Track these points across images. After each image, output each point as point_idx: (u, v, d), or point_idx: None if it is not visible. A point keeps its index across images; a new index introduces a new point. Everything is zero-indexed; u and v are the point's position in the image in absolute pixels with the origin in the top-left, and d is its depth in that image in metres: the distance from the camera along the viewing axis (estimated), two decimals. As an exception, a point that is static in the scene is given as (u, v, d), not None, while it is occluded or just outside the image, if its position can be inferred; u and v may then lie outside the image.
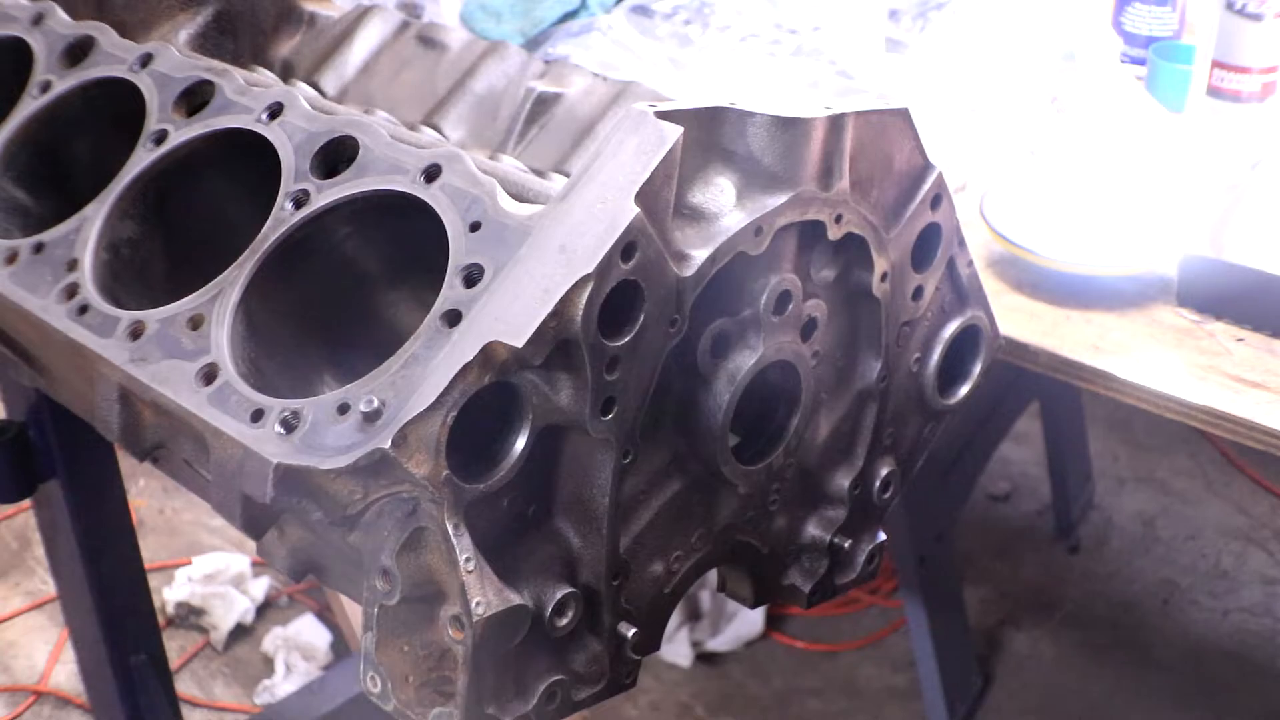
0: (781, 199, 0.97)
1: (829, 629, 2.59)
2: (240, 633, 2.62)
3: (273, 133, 1.07)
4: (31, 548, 2.81)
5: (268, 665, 2.53)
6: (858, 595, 2.62)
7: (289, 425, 0.88)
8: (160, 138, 1.12)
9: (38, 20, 1.26)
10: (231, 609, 2.60)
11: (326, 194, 1.01)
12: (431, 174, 0.97)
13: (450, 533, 0.86)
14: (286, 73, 1.39)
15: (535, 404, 0.88)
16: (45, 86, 1.20)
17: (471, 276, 0.90)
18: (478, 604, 0.87)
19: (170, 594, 2.64)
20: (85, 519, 1.62)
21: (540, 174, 1.12)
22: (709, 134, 0.95)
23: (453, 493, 0.86)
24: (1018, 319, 1.44)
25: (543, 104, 1.24)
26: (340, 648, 2.54)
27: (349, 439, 0.86)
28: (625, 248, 0.87)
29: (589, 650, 0.99)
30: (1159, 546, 2.75)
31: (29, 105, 1.20)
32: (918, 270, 1.10)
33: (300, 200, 1.02)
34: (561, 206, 0.90)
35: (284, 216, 1.01)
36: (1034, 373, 1.44)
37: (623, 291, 0.88)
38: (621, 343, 0.89)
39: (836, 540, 1.14)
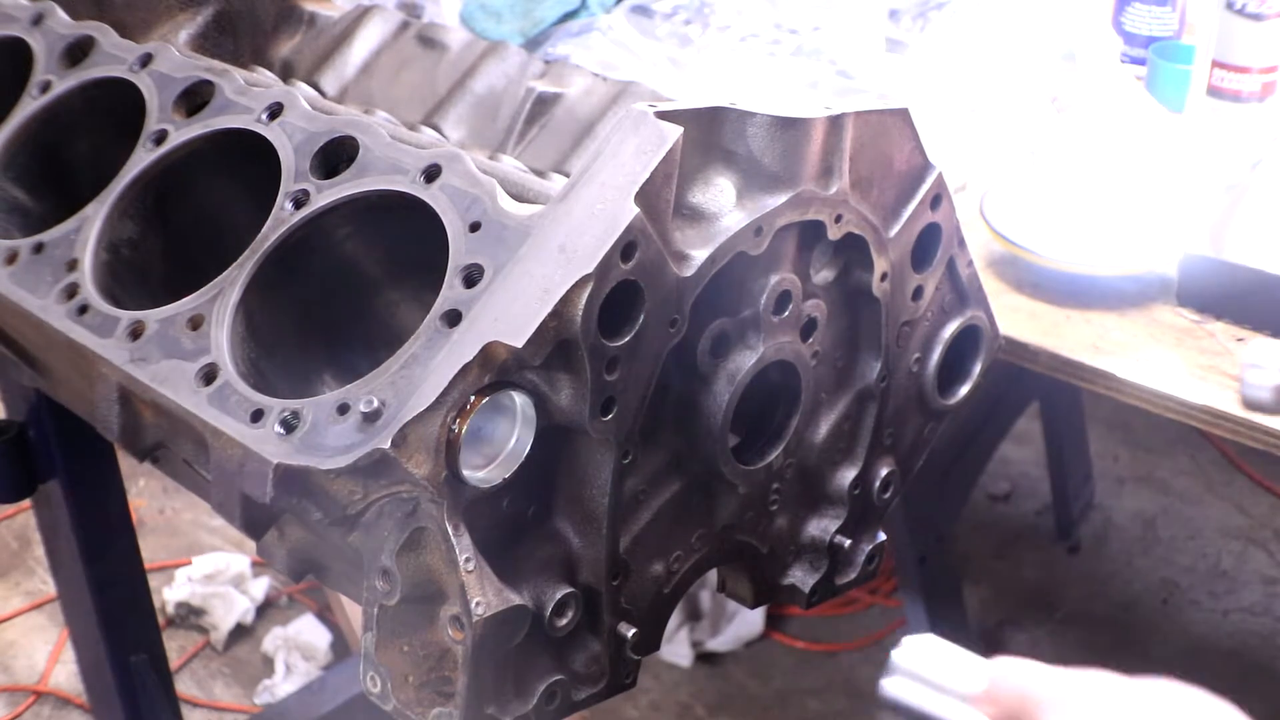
0: (781, 199, 0.97)
1: (829, 629, 2.59)
2: (240, 633, 2.62)
3: (273, 133, 1.07)
4: (31, 548, 2.80)
5: (268, 665, 2.53)
6: (858, 595, 2.62)
7: (289, 425, 0.88)
8: (160, 138, 1.12)
9: (38, 20, 1.26)
10: (231, 609, 2.60)
11: (326, 194, 1.01)
12: (431, 174, 0.97)
13: (450, 533, 0.86)
14: (286, 73, 1.39)
15: (535, 404, 0.88)
16: (45, 86, 1.20)
17: (471, 276, 0.90)
18: (478, 604, 0.87)
19: (170, 594, 2.64)
20: (85, 519, 1.62)
21: (540, 174, 1.12)
22: (709, 134, 0.95)
23: (452, 493, 0.86)
24: (1018, 319, 1.44)
25: (543, 104, 1.24)
26: (340, 648, 2.54)
27: (349, 439, 0.86)
28: (625, 248, 0.87)
29: (589, 650, 0.99)
30: (1159, 546, 2.75)
31: (29, 105, 1.20)
32: (918, 270, 1.10)
33: (300, 200, 1.02)
34: (561, 206, 0.90)
35: (284, 216, 1.01)
36: (1034, 373, 1.44)
37: (623, 291, 0.88)
38: (621, 343, 0.89)
39: (836, 540, 1.14)
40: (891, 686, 0.70)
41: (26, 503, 1.70)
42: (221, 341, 0.96)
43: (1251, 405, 1.03)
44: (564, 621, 0.95)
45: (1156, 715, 0.60)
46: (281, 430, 0.88)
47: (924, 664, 0.70)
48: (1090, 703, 0.61)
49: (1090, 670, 0.63)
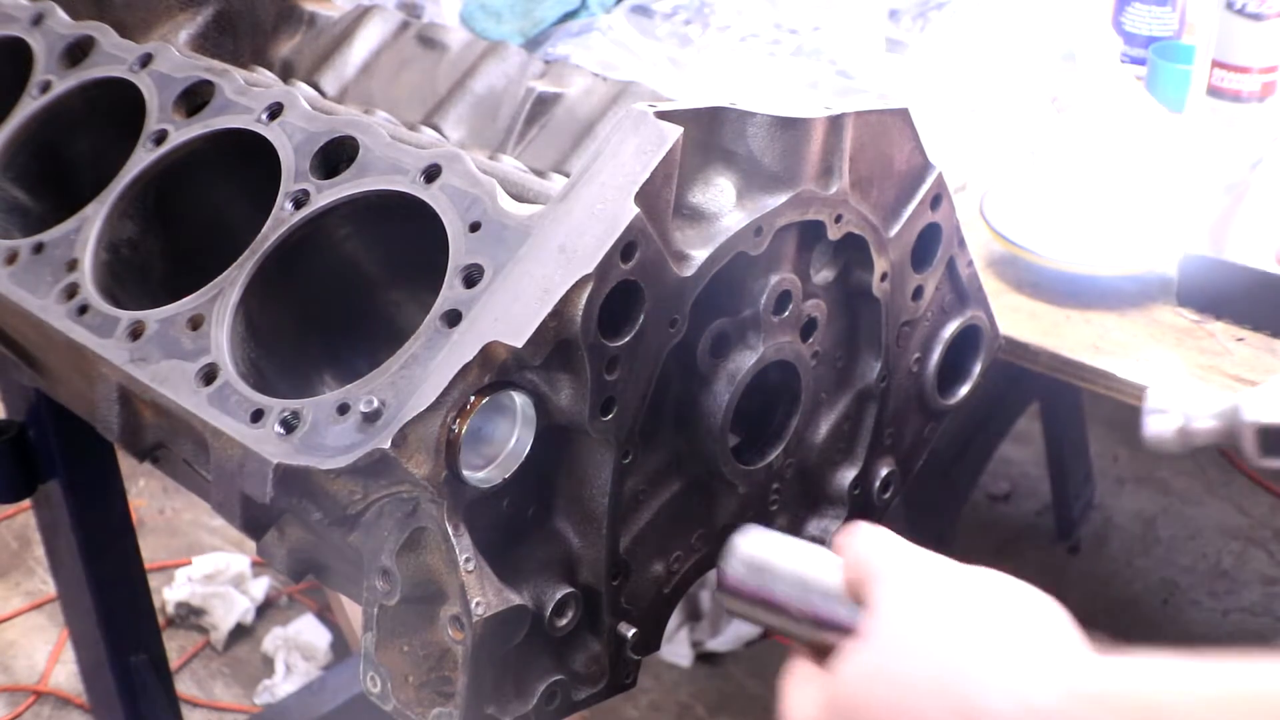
0: (781, 199, 0.97)
1: (829, 629, 2.58)
2: (240, 633, 2.61)
3: (273, 133, 1.07)
4: (31, 548, 2.81)
5: (268, 665, 2.53)
6: (858, 595, 2.61)
7: (289, 425, 0.88)
8: (160, 138, 1.12)
9: (38, 20, 1.26)
10: (231, 609, 2.60)
11: (326, 194, 1.01)
12: (431, 174, 0.97)
13: (450, 533, 0.86)
14: (286, 73, 1.39)
15: (535, 404, 0.88)
16: (45, 86, 1.20)
17: (471, 277, 0.90)
18: (477, 604, 0.87)
19: (170, 594, 2.64)
20: (85, 519, 1.62)
21: (540, 174, 1.12)
22: (709, 134, 0.95)
23: (452, 493, 0.86)
24: (1018, 319, 1.44)
25: (543, 104, 1.24)
26: (340, 648, 2.54)
27: (349, 439, 0.86)
28: (625, 248, 0.87)
29: (589, 650, 0.99)
30: (1159, 546, 2.75)
31: (29, 105, 1.20)
32: (918, 270, 1.10)
33: (300, 200, 1.02)
34: (561, 206, 0.90)
35: (284, 217, 1.01)
36: (1034, 373, 1.44)
37: (622, 291, 0.88)
38: (621, 343, 0.89)
39: (836, 540, 1.14)
40: (732, 569, 0.74)
41: (26, 503, 1.70)
42: (221, 341, 0.96)
43: (1153, 444, 1.05)
44: (564, 621, 0.95)
45: (976, 595, 0.63)
46: (281, 430, 0.88)
47: (767, 549, 0.74)
48: (917, 578, 0.65)
49: (923, 550, 0.68)
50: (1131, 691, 0.55)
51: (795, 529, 1.13)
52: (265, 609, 2.66)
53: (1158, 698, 0.54)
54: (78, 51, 1.22)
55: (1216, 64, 1.70)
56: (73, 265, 1.06)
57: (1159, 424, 0.87)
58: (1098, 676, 0.55)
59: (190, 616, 2.64)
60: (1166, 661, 0.55)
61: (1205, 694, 0.54)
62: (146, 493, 2.93)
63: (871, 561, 0.68)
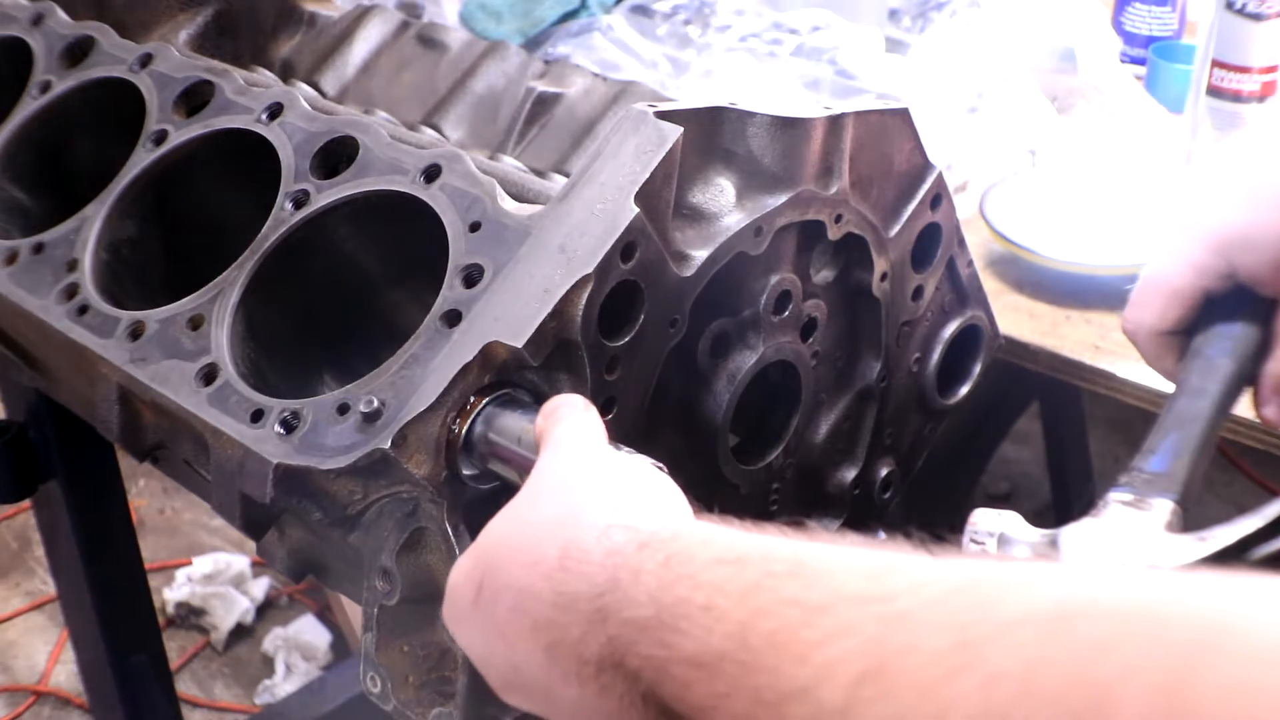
0: (781, 199, 0.97)
1: (829, 629, 2.58)
2: (240, 633, 2.62)
3: (272, 133, 1.07)
4: (31, 548, 2.81)
5: (268, 665, 2.53)
6: (858, 595, 2.61)
7: (289, 425, 0.88)
8: (160, 138, 1.12)
9: (38, 20, 1.26)
10: (231, 609, 2.61)
11: (326, 194, 1.01)
12: (431, 174, 0.97)
13: (450, 533, 0.86)
14: (286, 73, 1.39)
15: (535, 404, 0.88)
16: (45, 86, 1.20)
17: (471, 277, 0.90)
18: (478, 604, 0.87)
19: (170, 594, 2.64)
20: (85, 519, 1.62)
21: (540, 174, 1.12)
22: (709, 134, 0.95)
23: (453, 493, 0.86)
24: (1018, 319, 1.44)
25: (543, 104, 1.24)
26: (340, 648, 2.54)
27: (349, 439, 0.86)
28: (625, 248, 0.87)
29: (589, 650, 0.99)
30: (1159, 546, 2.74)
31: (29, 105, 1.20)
32: (917, 270, 1.10)
33: (300, 200, 1.02)
34: (561, 206, 0.90)
35: (284, 217, 1.01)
36: (1034, 373, 1.44)
37: (623, 291, 0.88)
38: (621, 343, 0.89)
39: (836, 540, 1.14)
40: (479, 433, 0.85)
41: (26, 503, 1.70)
42: (221, 341, 0.96)
43: None
44: (564, 621, 0.95)
45: (611, 468, 0.72)
46: (281, 430, 0.88)
47: (508, 411, 0.84)
48: (568, 451, 0.75)
49: (590, 428, 0.77)
50: (673, 540, 0.62)
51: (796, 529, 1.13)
52: (265, 609, 2.66)
53: (688, 550, 0.61)
54: (78, 51, 1.22)
55: (1216, 64, 1.70)
56: (73, 265, 1.06)
57: (975, 552, 0.88)
58: (669, 531, 0.63)
59: (190, 616, 2.64)
60: (737, 533, 0.62)
61: (719, 551, 0.60)
62: (146, 493, 2.93)
63: (546, 429, 0.77)
